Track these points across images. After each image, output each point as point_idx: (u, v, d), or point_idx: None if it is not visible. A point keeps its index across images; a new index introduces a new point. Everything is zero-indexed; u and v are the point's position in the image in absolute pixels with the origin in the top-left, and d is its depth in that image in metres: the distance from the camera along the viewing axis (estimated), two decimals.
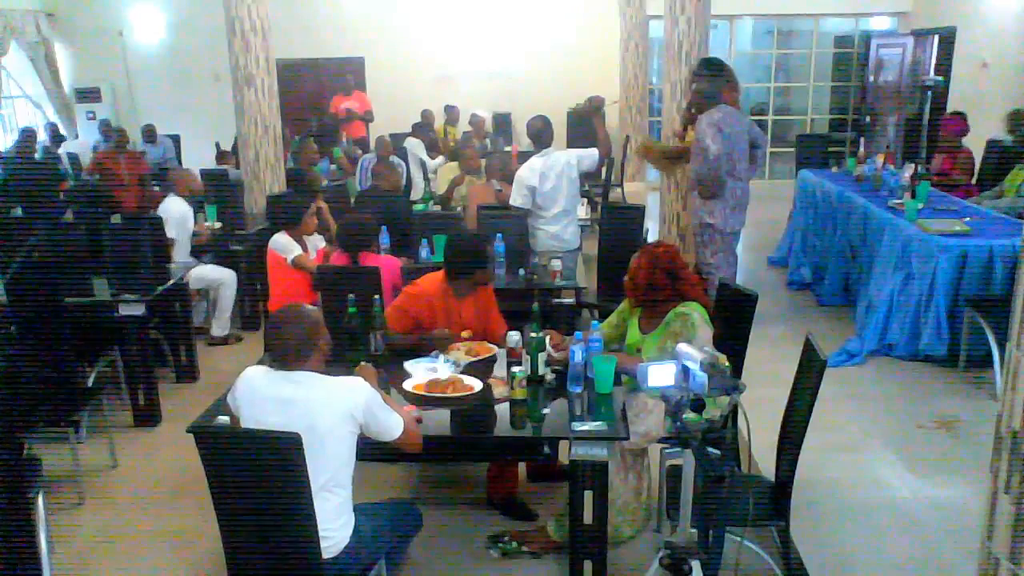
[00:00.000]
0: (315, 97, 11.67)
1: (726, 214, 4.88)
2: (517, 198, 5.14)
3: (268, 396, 2.41)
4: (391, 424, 2.51)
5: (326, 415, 2.37)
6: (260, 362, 2.71)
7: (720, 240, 4.93)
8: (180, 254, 5.54)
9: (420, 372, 3.15)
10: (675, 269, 3.14)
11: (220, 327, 5.73)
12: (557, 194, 5.09)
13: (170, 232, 5.43)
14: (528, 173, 5.10)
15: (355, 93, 10.52)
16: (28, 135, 9.98)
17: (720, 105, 4.84)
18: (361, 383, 2.49)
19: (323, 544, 2.35)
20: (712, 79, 4.88)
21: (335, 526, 2.43)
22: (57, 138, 10.44)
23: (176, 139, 10.99)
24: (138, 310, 4.34)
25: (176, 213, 5.56)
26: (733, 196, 4.87)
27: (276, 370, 2.47)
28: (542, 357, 3.10)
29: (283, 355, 2.44)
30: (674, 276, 3.13)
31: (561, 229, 5.15)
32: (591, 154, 5.13)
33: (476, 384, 3.01)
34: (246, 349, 5.58)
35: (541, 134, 5.21)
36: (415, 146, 8.67)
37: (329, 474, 2.38)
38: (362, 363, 2.90)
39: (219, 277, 5.67)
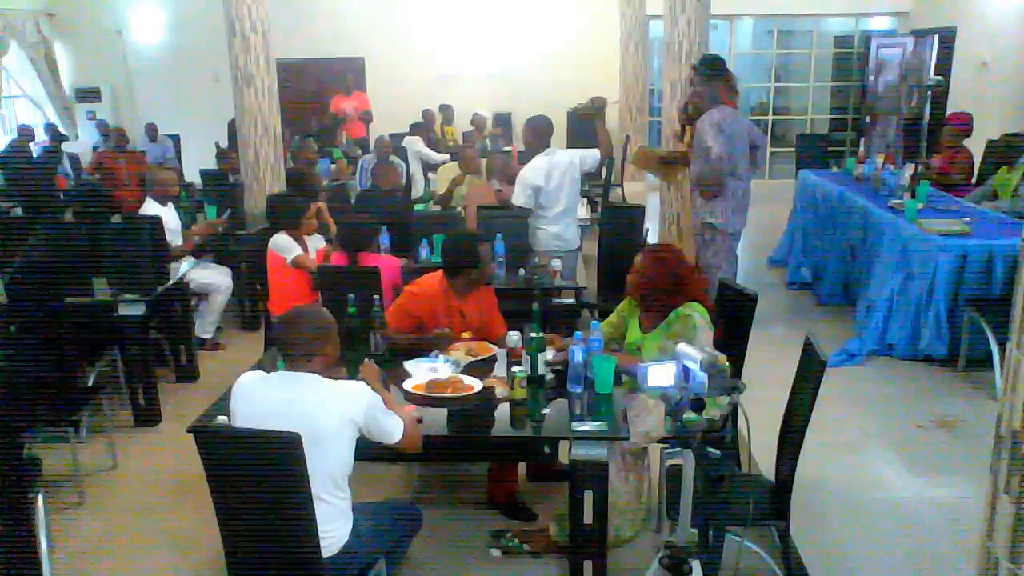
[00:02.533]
0: (315, 97, 11.67)
1: (728, 215, 4.86)
2: (520, 197, 5.12)
3: (267, 400, 2.41)
4: (392, 428, 2.51)
5: (327, 419, 2.37)
6: (255, 367, 2.71)
7: (722, 241, 4.92)
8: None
9: (420, 372, 3.15)
10: (680, 272, 3.15)
11: (204, 330, 5.64)
12: (560, 193, 5.09)
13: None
14: (532, 173, 5.09)
15: (355, 93, 10.52)
16: (24, 133, 9.96)
17: (720, 106, 4.84)
18: (362, 387, 2.49)
19: (322, 543, 2.35)
20: (711, 80, 4.87)
21: (335, 526, 2.43)
22: (58, 138, 10.41)
23: (176, 139, 10.99)
24: (138, 310, 4.34)
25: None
26: (735, 196, 4.86)
27: (280, 370, 2.49)
28: (542, 357, 3.10)
29: (291, 351, 2.46)
30: (679, 278, 3.13)
31: (563, 229, 5.15)
32: (593, 154, 5.13)
33: (476, 384, 3.01)
34: (246, 350, 5.56)
35: (538, 137, 5.20)
36: (414, 143, 8.66)
37: (329, 477, 2.38)
38: (366, 361, 2.90)
39: (214, 282, 5.64)
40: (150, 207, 5.47)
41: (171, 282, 4.84)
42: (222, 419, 2.69)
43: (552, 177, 5.06)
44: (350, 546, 2.46)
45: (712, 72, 4.92)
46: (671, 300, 3.15)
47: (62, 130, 11.32)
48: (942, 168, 6.35)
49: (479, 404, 2.96)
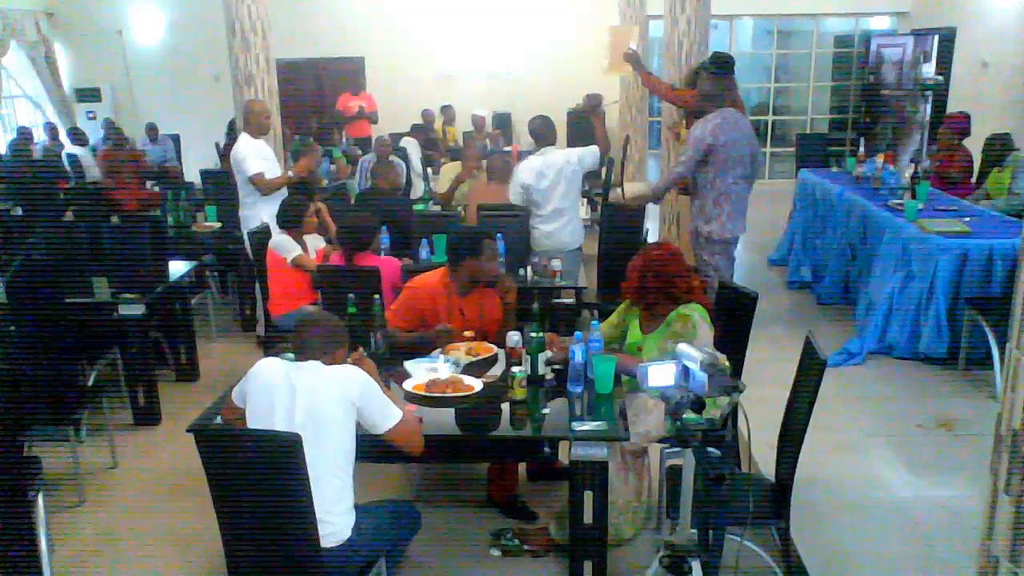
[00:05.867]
0: (315, 97, 11.67)
1: (723, 221, 4.73)
2: (512, 195, 5.18)
3: (280, 382, 2.49)
4: (387, 413, 2.54)
5: (326, 399, 2.44)
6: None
7: (717, 244, 4.81)
8: (269, 200, 5.41)
9: (420, 372, 3.15)
10: (667, 273, 3.12)
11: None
12: (552, 193, 5.09)
13: (252, 169, 5.39)
14: (523, 171, 5.14)
15: (362, 93, 10.52)
16: (23, 135, 9.94)
17: (721, 109, 4.75)
18: (357, 370, 2.56)
19: (323, 530, 2.36)
20: (715, 80, 4.79)
21: (335, 511, 2.44)
22: (80, 141, 10.31)
23: (176, 139, 10.98)
24: (138, 310, 4.34)
25: (242, 151, 5.46)
26: (729, 203, 4.77)
27: (290, 361, 2.59)
28: (542, 357, 3.10)
29: (304, 348, 2.57)
30: (666, 280, 3.11)
31: (557, 228, 5.14)
32: (591, 152, 5.11)
33: (476, 384, 3.01)
34: (246, 350, 5.57)
35: (541, 133, 5.23)
36: (410, 146, 8.66)
37: (330, 458, 2.42)
38: (360, 349, 2.89)
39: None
40: (244, 142, 5.48)
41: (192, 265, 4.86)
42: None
43: (545, 176, 5.08)
44: (352, 542, 2.47)
45: (720, 70, 4.87)
46: (668, 300, 3.14)
47: (62, 135, 11.25)
48: (941, 167, 6.37)
49: (479, 404, 2.96)
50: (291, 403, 2.43)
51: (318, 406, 2.42)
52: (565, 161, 5.09)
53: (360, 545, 2.50)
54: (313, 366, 2.51)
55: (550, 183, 5.08)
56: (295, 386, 2.45)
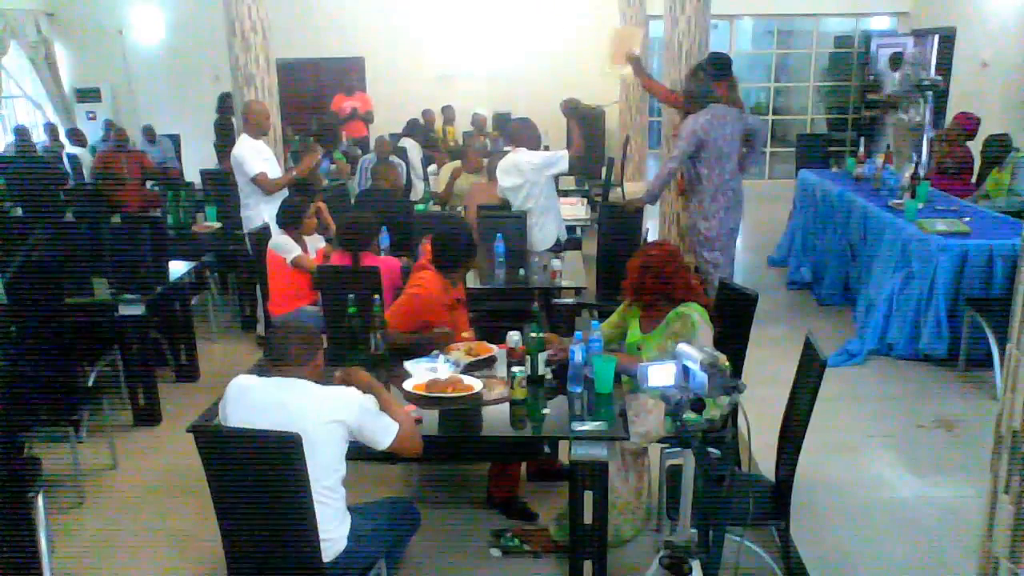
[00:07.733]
0: (315, 97, 11.67)
1: (721, 217, 4.92)
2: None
3: (259, 402, 2.42)
4: (383, 432, 2.50)
5: (316, 422, 2.37)
6: (254, 367, 2.71)
7: (715, 239, 4.95)
8: (270, 200, 5.38)
9: (420, 372, 3.15)
10: (665, 273, 3.11)
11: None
12: (517, 192, 5.26)
13: (254, 169, 5.39)
14: (498, 167, 5.41)
15: (357, 94, 10.53)
16: (22, 134, 9.93)
17: (711, 106, 4.81)
18: (352, 392, 2.50)
19: (321, 546, 2.35)
20: (700, 80, 4.87)
21: (331, 526, 2.43)
22: (78, 142, 10.30)
23: (176, 139, 10.98)
24: (138, 310, 4.34)
25: (243, 153, 5.45)
26: (724, 198, 4.87)
27: (269, 376, 2.49)
28: (542, 357, 3.10)
29: (282, 357, 2.47)
30: (663, 280, 3.11)
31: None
32: (558, 155, 5.18)
33: (476, 384, 3.01)
34: (246, 350, 5.58)
35: (515, 135, 5.42)
36: (410, 146, 8.67)
37: (321, 479, 2.37)
38: (352, 368, 2.84)
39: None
40: (245, 143, 5.49)
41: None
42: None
43: (509, 174, 5.27)
44: (350, 550, 2.46)
45: (714, 71, 4.90)
46: (665, 300, 3.14)
47: (61, 135, 11.25)
48: (940, 158, 6.40)
49: (479, 404, 2.96)
50: (275, 423, 2.31)
51: (307, 426, 2.32)
52: (527, 162, 5.20)
53: (359, 550, 2.49)
54: (302, 385, 2.43)
55: (514, 183, 5.22)
56: (283, 405, 2.37)
